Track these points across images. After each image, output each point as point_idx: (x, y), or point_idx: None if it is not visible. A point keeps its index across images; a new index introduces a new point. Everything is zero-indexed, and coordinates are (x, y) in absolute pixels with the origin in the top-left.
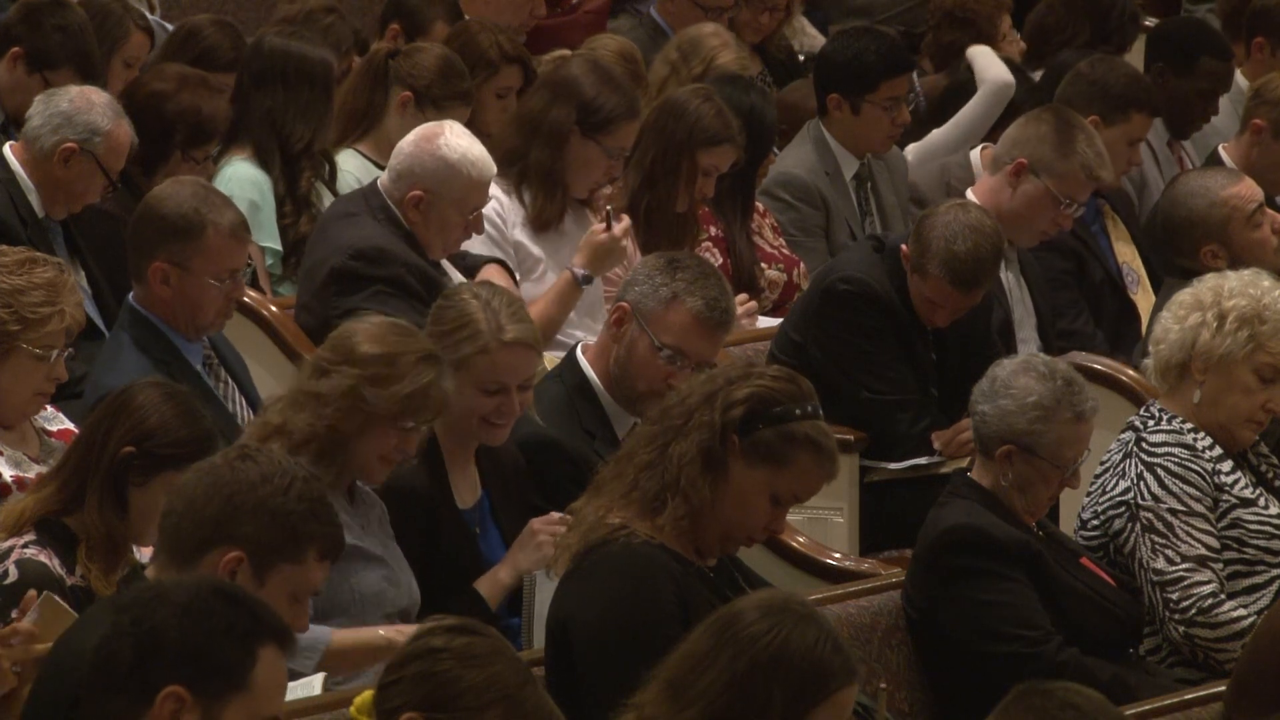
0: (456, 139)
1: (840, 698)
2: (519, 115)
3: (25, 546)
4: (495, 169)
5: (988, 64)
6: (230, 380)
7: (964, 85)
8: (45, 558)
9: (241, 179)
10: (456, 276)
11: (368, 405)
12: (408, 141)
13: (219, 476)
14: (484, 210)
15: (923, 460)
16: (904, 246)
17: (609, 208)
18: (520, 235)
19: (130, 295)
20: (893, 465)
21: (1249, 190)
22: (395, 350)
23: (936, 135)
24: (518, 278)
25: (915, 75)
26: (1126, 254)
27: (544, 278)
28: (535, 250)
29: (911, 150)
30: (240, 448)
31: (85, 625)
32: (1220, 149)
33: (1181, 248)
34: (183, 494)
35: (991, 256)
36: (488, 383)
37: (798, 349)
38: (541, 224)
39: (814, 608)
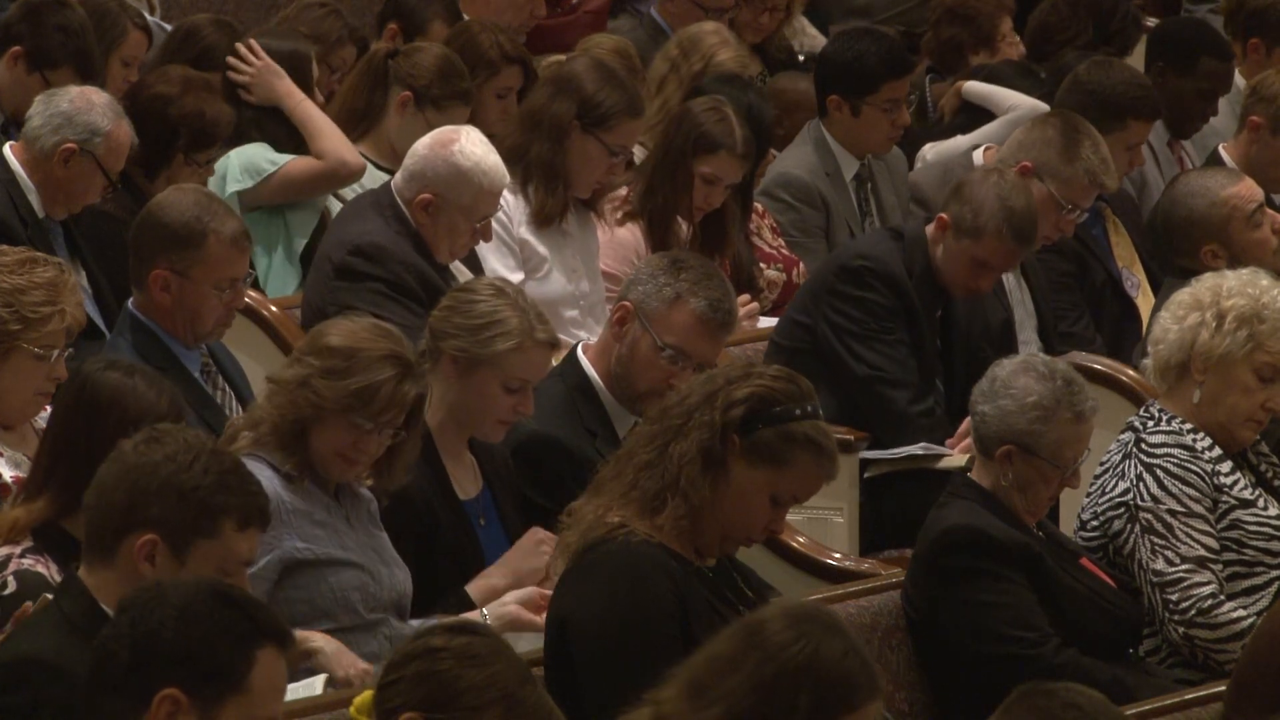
0: (472, 146)
1: (864, 712)
2: (522, 111)
3: (23, 556)
4: (507, 179)
5: (1008, 94)
6: (228, 388)
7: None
8: (43, 566)
9: (254, 148)
10: (465, 274)
11: (316, 397)
12: (423, 143)
13: (125, 463)
14: None
15: (918, 450)
16: (942, 216)
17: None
18: (526, 233)
19: (130, 301)
20: (890, 453)
21: (1249, 190)
22: (359, 346)
23: (962, 141)
24: (523, 275)
25: (929, 81)
26: (1126, 258)
27: (549, 276)
28: (541, 249)
29: (931, 149)
30: (149, 430)
31: (25, 631)
32: (1220, 149)
33: (1181, 247)
34: (95, 487)
35: (1036, 212)
36: (513, 380)
37: (804, 330)
38: (543, 219)
39: (840, 619)
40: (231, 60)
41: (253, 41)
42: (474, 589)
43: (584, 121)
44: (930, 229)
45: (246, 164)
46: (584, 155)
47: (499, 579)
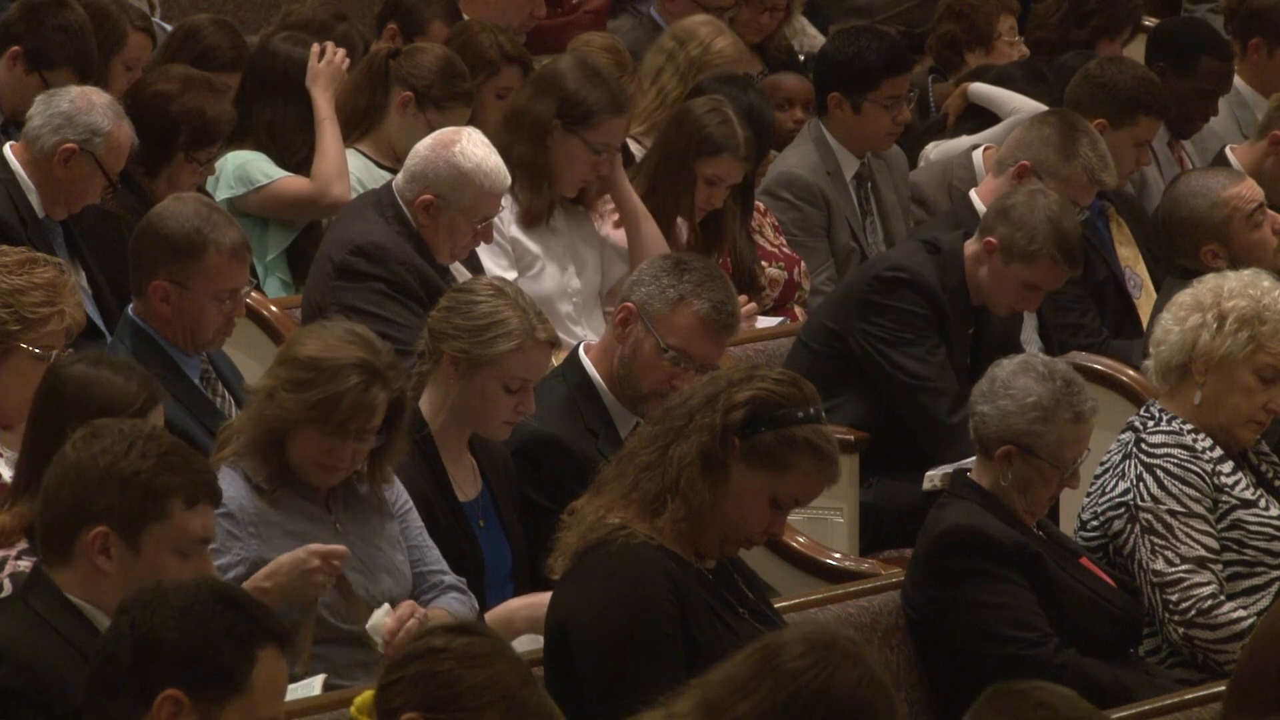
0: (473, 148)
1: None
2: (504, 112)
3: (19, 558)
4: (509, 180)
5: (1012, 97)
6: (227, 394)
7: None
8: None
9: (252, 156)
10: (464, 273)
11: (280, 409)
12: (424, 144)
13: (65, 462)
14: None
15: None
16: (990, 239)
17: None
18: (516, 232)
19: (129, 308)
20: (949, 469)
21: (1249, 190)
22: (324, 356)
23: (964, 140)
24: (516, 274)
25: (931, 80)
26: (1129, 257)
27: (542, 274)
28: (533, 247)
29: (934, 148)
30: (86, 427)
31: None
32: (1228, 151)
33: (1181, 247)
34: (42, 492)
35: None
36: (513, 380)
37: (833, 336)
38: (530, 220)
39: (859, 646)
40: (318, 47)
41: (341, 50)
42: (493, 617)
43: (566, 121)
44: (973, 248)
45: (241, 172)
46: (567, 155)
47: (522, 622)
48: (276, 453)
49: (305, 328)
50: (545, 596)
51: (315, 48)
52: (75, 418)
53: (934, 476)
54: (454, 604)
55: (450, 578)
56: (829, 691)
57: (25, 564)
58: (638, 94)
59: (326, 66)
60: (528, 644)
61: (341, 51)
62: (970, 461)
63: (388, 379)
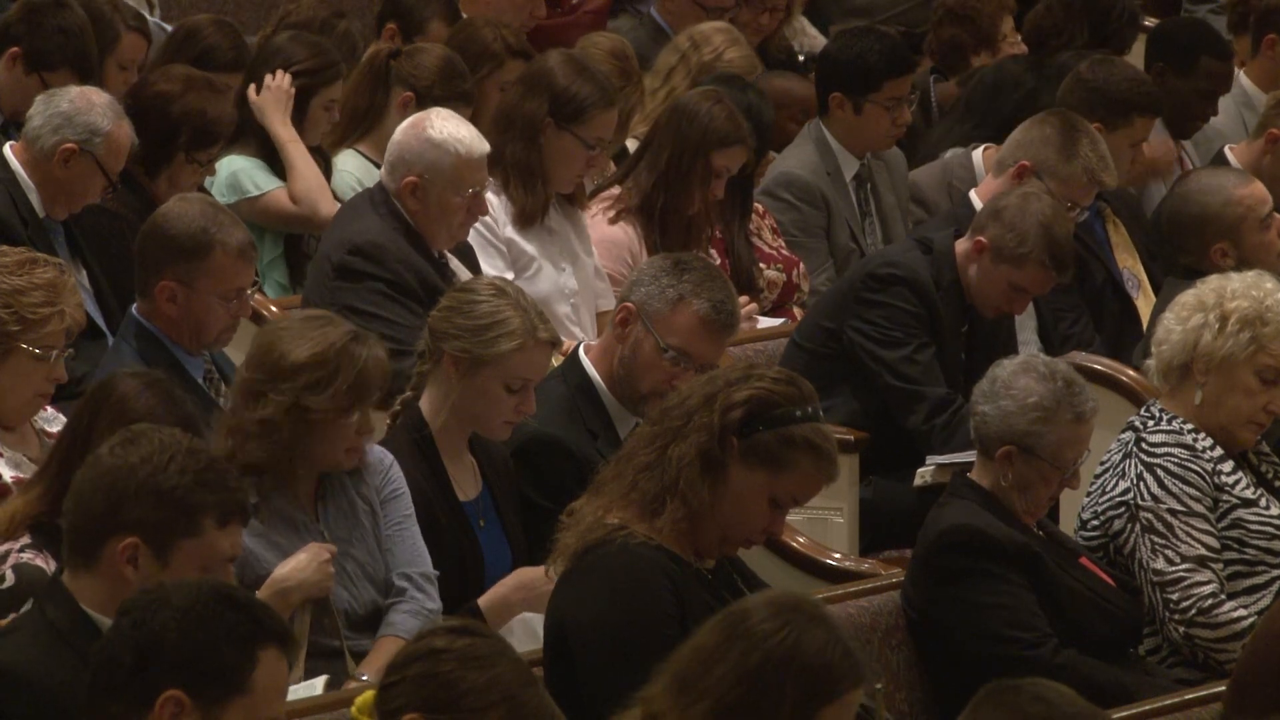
0: (442, 122)
1: (849, 699)
2: (495, 113)
3: (22, 550)
4: (486, 146)
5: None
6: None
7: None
8: (42, 561)
9: (245, 164)
10: (464, 272)
11: (314, 413)
12: (397, 133)
13: (101, 466)
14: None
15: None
16: (980, 239)
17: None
18: (511, 233)
19: (134, 307)
20: (953, 458)
21: (1262, 193)
22: (322, 348)
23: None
24: (512, 275)
25: (933, 81)
26: (1127, 259)
27: (538, 275)
28: (528, 248)
29: (953, 152)
30: (124, 432)
31: (4, 638)
32: (1227, 150)
33: (1188, 245)
34: (73, 492)
35: (1073, 237)
36: (514, 379)
37: (828, 335)
38: (526, 219)
39: (824, 608)
40: (266, 77)
41: (285, 74)
42: (487, 600)
43: (558, 118)
44: (963, 247)
45: (232, 180)
46: (561, 152)
47: (519, 604)
48: (301, 456)
49: (265, 337)
50: (536, 573)
51: (251, 86)
52: (103, 424)
53: (925, 473)
54: (405, 626)
55: (411, 588)
56: (799, 651)
57: (29, 556)
58: (639, 100)
59: (269, 94)
60: (528, 643)
61: (278, 72)
62: (963, 455)
63: (365, 338)
